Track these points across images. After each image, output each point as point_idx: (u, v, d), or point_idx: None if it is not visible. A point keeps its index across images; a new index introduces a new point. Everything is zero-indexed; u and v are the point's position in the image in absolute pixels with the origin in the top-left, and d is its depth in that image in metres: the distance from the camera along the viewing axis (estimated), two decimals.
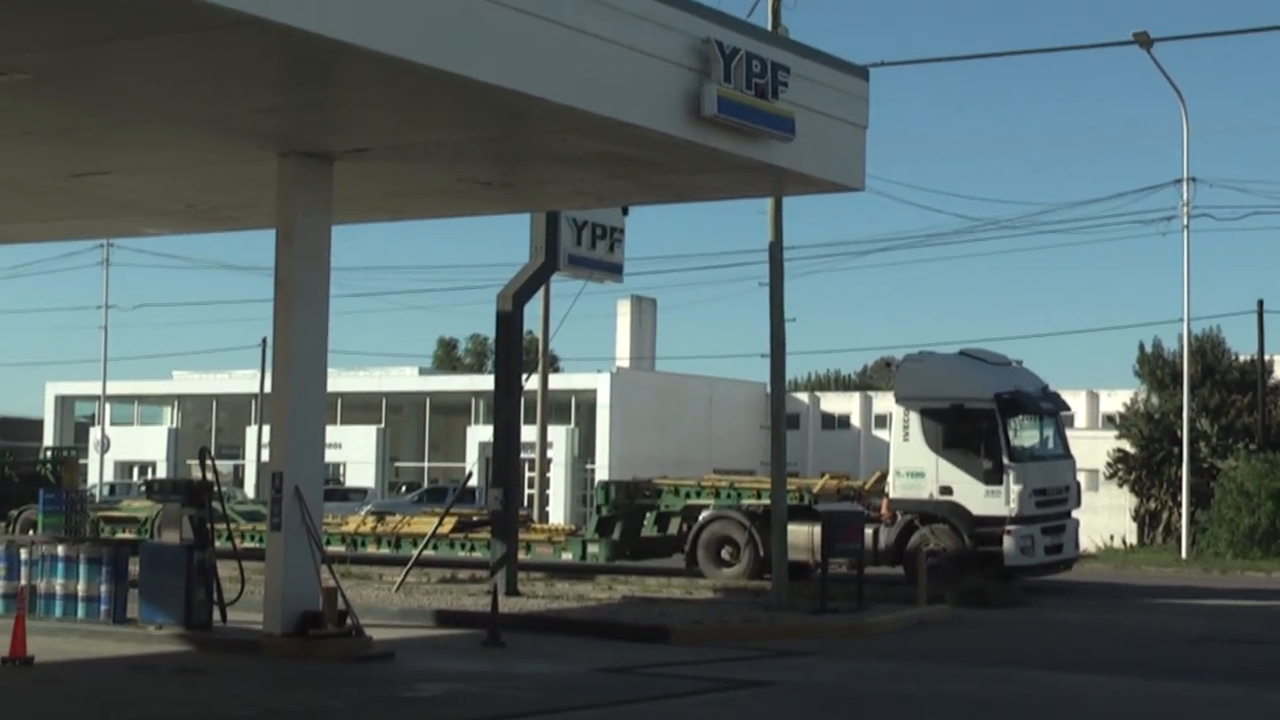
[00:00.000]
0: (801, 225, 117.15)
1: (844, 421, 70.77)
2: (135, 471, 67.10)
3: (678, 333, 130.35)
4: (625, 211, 26.42)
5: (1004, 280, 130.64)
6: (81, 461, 53.10)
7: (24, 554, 19.42)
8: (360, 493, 53.00)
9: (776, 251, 23.62)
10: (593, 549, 29.58)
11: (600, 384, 62.81)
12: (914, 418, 27.29)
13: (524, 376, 26.09)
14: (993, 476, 26.48)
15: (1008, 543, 26.28)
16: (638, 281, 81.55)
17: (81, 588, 18.82)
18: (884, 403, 57.64)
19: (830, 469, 35.84)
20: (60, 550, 19.26)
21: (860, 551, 23.49)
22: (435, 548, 28.62)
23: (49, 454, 50.69)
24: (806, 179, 18.96)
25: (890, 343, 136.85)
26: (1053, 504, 27.26)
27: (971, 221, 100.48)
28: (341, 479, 60.01)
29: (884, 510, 27.31)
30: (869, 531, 25.36)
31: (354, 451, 63.85)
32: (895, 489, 27.48)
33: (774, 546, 23.82)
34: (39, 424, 73.95)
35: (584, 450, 62.61)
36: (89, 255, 70.29)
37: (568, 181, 19.39)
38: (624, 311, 68.78)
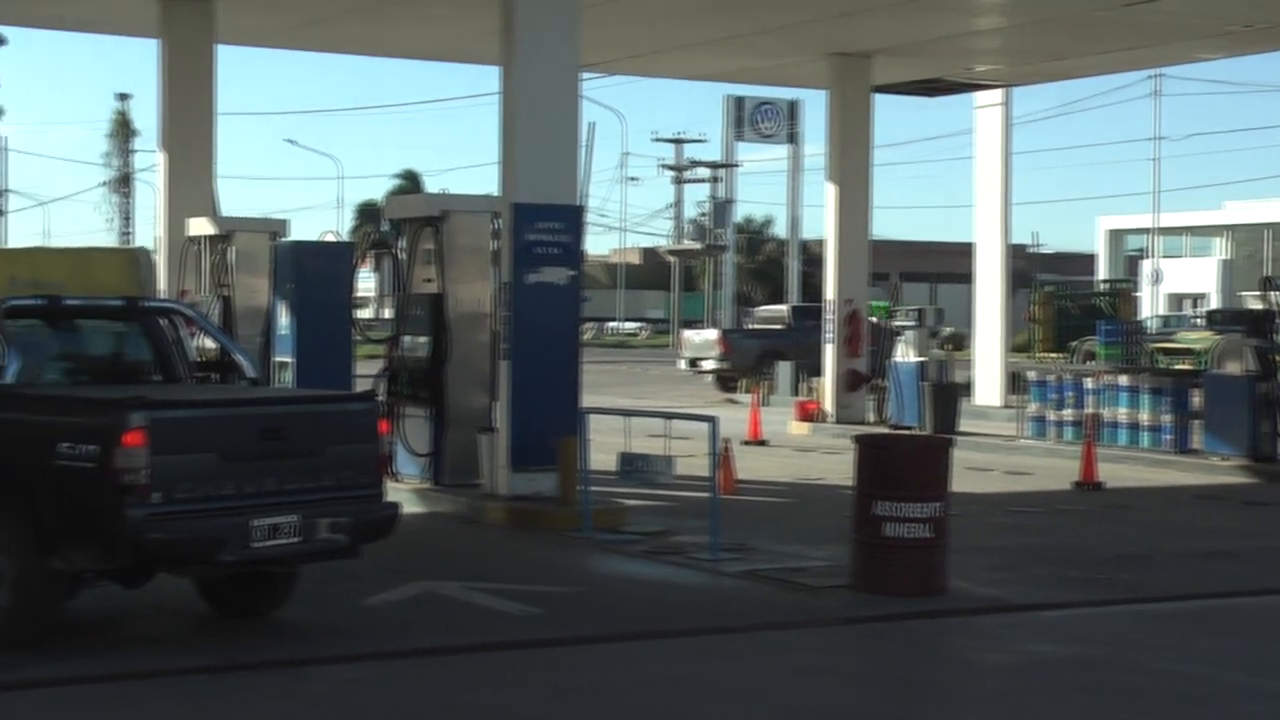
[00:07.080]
0: None
1: None
2: (1185, 304, 66.71)
3: None
4: None
5: None
6: (1134, 294, 53.59)
7: (1088, 384, 20.05)
8: None
9: None
10: None
11: None
12: None
13: None
14: None
15: None
16: None
17: (1144, 417, 19.16)
18: None
19: None
20: (1122, 380, 19.70)
21: None
22: None
23: (1104, 287, 51.64)
24: None
25: None
26: None
27: None
28: None
29: None
30: None
31: None
32: None
33: None
34: (1090, 258, 75.55)
35: None
36: (1138, 88, 70.50)
37: None
38: None
